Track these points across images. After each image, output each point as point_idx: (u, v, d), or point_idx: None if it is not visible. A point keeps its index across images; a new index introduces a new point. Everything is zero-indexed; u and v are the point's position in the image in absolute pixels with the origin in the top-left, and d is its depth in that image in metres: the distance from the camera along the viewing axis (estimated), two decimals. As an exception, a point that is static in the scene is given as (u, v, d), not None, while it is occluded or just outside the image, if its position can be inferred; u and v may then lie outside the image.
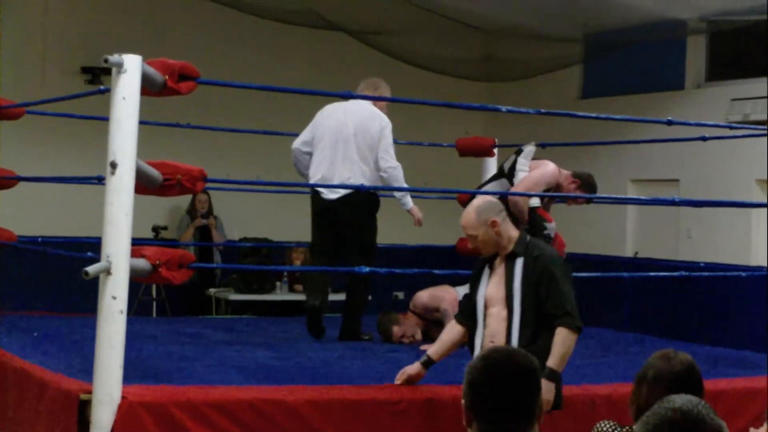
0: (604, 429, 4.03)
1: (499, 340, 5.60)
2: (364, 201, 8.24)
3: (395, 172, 8.25)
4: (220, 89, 11.06)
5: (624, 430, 3.97)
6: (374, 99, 8.40)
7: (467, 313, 5.88)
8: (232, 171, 12.45)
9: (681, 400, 2.39)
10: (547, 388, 5.40)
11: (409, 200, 8.58)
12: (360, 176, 8.18)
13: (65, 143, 12.64)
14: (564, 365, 5.63)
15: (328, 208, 8.23)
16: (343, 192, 8.14)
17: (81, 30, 13.17)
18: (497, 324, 5.68)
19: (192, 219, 13.17)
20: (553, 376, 5.55)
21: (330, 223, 8.24)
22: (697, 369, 3.97)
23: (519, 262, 5.68)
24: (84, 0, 13.39)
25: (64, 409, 5.60)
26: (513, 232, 5.76)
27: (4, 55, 12.39)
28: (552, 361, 5.55)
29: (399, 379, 6.09)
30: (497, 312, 5.69)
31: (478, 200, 5.86)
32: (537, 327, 5.62)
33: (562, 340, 5.60)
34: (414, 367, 6.07)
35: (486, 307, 5.74)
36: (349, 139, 8.25)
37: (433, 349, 6.08)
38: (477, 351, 5.70)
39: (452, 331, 6.00)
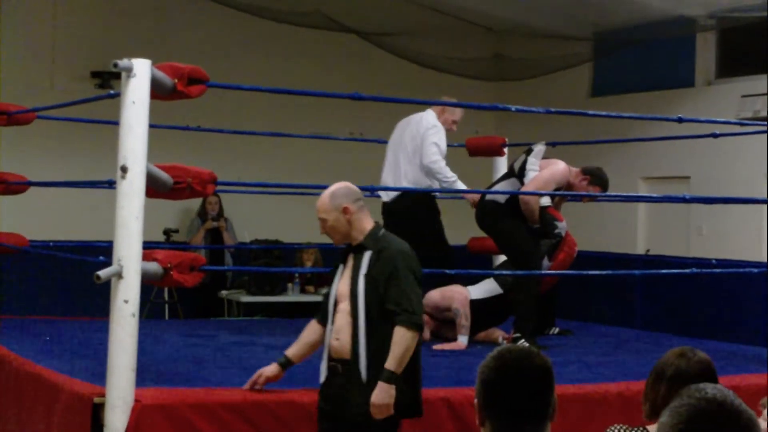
0: (616, 432, 4.01)
1: (344, 337, 5.35)
2: (413, 202, 8.67)
3: (435, 165, 8.61)
4: (230, 92, 11.08)
5: (635, 431, 3.95)
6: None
7: (323, 310, 5.59)
8: (242, 173, 12.46)
9: (712, 390, 2.32)
10: (383, 392, 5.21)
11: (458, 185, 8.73)
12: (402, 178, 8.73)
13: (76, 148, 12.66)
14: (403, 366, 5.26)
15: (386, 210, 8.72)
16: (393, 194, 8.70)
17: (90, 35, 13.19)
18: (343, 319, 5.38)
19: (203, 221, 13.18)
20: (392, 378, 5.23)
21: (392, 224, 8.41)
22: (714, 368, 3.97)
23: (366, 256, 5.40)
24: (93, 5, 13.40)
25: (78, 413, 5.61)
26: (367, 224, 5.48)
27: (14, 60, 12.43)
28: (390, 363, 5.23)
29: (257, 381, 5.73)
30: (344, 307, 5.39)
31: (337, 185, 5.56)
32: (381, 324, 5.31)
33: (399, 339, 5.24)
34: (271, 368, 5.74)
35: (336, 303, 5.45)
36: (399, 145, 8.88)
37: (291, 350, 5.75)
38: (325, 349, 5.48)
39: (310, 330, 5.69)
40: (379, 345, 5.28)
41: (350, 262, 5.48)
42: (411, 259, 5.43)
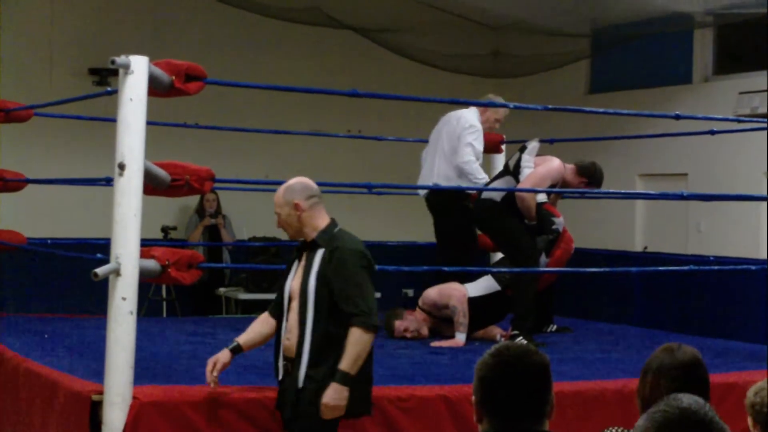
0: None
1: (293, 338, 5.32)
2: (444, 198, 8.85)
3: (467, 166, 8.72)
4: (228, 89, 11.07)
5: (631, 433, 3.95)
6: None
7: (276, 305, 5.55)
8: (240, 170, 12.46)
9: (688, 399, 2.37)
10: (335, 392, 5.18)
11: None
12: (436, 174, 8.89)
13: (73, 145, 12.65)
14: (358, 367, 5.23)
15: (427, 204, 9.04)
16: (425, 192, 9.00)
17: (88, 32, 13.17)
18: (294, 318, 5.35)
19: (201, 219, 13.18)
20: (346, 379, 5.20)
21: (433, 218, 9.00)
22: (703, 363, 3.96)
23: (319, 254, 5.34)
24: (91, 2, 13.39)
25: (76, 411, 5.61)
26: (320, 222, 5.41)
27: (12, 57, 12.42)
28: (344, 364, 5.19)
29: (212, 368, 5.55)
30: (296, 306, 5.35)
31: (294, 179, 5.52)
32: (330, 324, 5.26)
33: (356, 340, 5.19)
34: (224, 354, 5.55)
35: (290, 300, 5.41)
36: (437, 142, 9.04)
37: (242, 338, 5.62)
38: (279, 345, 5.44)
39: (263, 322, 5.62)
40: (323, 346, 5.26)
41: (303, 260, 5.43)
42: (365, 259, 5.36)
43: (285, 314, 5.42)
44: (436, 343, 8.18)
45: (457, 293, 8.40)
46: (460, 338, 8.22)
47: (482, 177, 8.77)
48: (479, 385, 3.05)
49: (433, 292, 8.53)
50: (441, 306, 8.46)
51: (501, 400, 3.00)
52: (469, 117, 8.90)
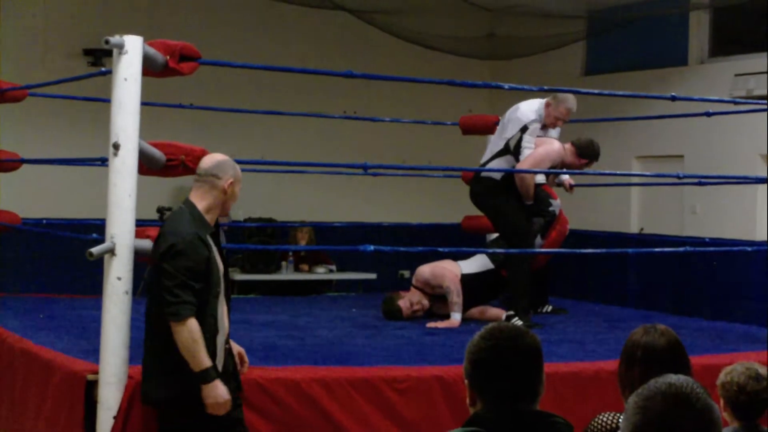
0: (605, 420, 4.00)
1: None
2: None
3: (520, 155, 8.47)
4: (224, 70, 11.05)
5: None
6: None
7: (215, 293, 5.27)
8: (235, 151, 12.37)
9: (677, 378, 2.40)
10: (206, 392, 4.98)
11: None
12: (486, 158, 8.59)
13: (68, 125, 12.63)
14: (197, 361, 4.95)
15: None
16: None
17: (82, 12, 13.13)
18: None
19: (196, 200, 13.15)
20: (204, 376, 4.97)
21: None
22: (679, 340, 3.97)
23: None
24: (85, -18, 13.35)
25: (71, 390, 5.61)
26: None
27: (6, 37, 12.38)
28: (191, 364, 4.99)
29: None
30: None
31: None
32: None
33: (176, 338, 4.97)
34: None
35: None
36: (497, 129, 8.78)
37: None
38: (226, 331, 5.29)
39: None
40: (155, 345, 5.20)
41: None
42: (177, 244, 5.06)
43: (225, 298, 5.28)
44: (431, 324, 8.19)
45: (450, 274, 8.41)
46: (456, 318, 8.24)
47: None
48: (472, 368, 3.05)
49: (426, 270, 8.56)
50: (434, 285, 8.48)
51: (495, 382, 3.01)
52: (530, 109, 8.55)
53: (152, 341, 5.14)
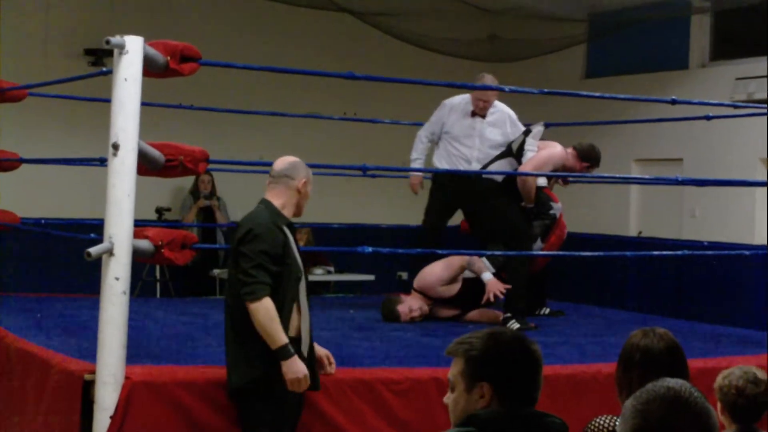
0: (602, 423, 4.00)
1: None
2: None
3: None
4: (223, 70, 11.04)
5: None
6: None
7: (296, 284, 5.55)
8: (234, 152, 12.44)
9: (674, 381, 2.43)
10: (285, 368, 5.17)
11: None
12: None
13: (68, 125, 12.63)
14: (274, 339, 5.16)
15: None
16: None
17: (84, 12, 13.13)
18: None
19: (195, 200, 13.16)
20: (282, 353, 5.17)
21: None
22: (678, 342, 3.98)
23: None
24: (86, -19, 13.35)
25: (68, 390, 5.61)
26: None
27: (7, 37, 12.37)
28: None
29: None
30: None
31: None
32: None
33: (252, 318, 5.19)
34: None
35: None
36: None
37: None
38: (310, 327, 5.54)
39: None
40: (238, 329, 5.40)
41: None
42: (253, 230, 5.40)
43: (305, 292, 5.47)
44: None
45: (459, 257, 8.40)
46: (488, 277, 8.25)
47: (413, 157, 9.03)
48: (496, 369, 3.08)
49: (436, 268, 8.47)
50: (451, 277, 8.42)
51: (517, 390, 3.08)
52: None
53: (232, 330, 5.33)
